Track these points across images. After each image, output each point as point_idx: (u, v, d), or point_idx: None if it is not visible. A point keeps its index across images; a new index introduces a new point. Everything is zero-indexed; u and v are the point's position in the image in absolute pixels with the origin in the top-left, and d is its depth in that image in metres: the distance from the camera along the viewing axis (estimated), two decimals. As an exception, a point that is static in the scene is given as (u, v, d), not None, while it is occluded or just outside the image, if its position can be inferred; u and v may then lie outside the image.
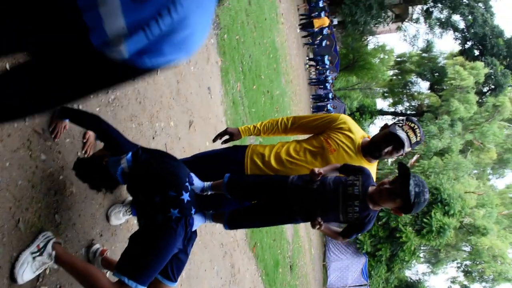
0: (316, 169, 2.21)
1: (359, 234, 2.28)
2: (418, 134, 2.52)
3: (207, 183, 2.40)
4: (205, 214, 2.45)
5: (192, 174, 2.35)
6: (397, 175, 2.16)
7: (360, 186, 2.15)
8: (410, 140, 2.46)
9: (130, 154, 2.29)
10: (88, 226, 2.53)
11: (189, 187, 2.25)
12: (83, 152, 2.30)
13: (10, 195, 1.92)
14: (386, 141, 2.51)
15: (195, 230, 2.39)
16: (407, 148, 2.48)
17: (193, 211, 2.25)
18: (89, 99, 2.57)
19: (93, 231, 2.57)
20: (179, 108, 4.07)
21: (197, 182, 2.37)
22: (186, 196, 2.20)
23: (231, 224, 2.41)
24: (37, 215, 2.08)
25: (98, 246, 2.56)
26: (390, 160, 31.48)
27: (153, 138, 3.41)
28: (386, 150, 2.52)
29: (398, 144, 2.47)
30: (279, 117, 2.87)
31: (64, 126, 2.29)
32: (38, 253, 1.99)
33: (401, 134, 2.45)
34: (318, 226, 2.16)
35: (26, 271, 1.94)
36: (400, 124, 2.53)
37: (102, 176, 2.29)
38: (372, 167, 2.66)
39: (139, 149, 2.33)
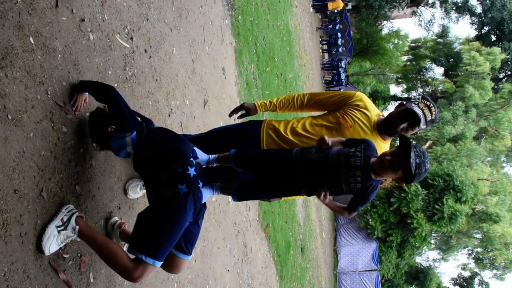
0: (326, 137, 2.25)
1: (364, 205, 2.32)
2: (434, 112, 2.53)
3: (212, 156, 2.46)
4: (213, 186, 2.50)
5: (196, 148, 2.39)
6: (398, 146, 2.18)
7: (362, 157, 2.18)
8: (425, 117, 2.48)
9: (134, 133, 2.33)
10: (107, 199, 2.59)
11: (194, 161, 2.30)
12: (74, 109, 2.31)
13: (34, 165, 1.98)
14: (402, 117, 2.53)
15: (204, 203, 2.44)
16: (423, 126, 2.49)
17: (200, 185, 2.30)
18: (107, 75, 2.62)
19: (112, 204, 2.64)
20: (194, 87, 4.10)
21: (202, 155, 2.42)
22: (192, 171, 2.25)
23: (239, 195, 2.47)
24: (59, 185, 2.14)
25: (116, 219, 2.62)
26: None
27: (169, 115, 3.46)
28: (401, 126, 2.54)
29: (414, 120, 2.49)
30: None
31: (84, 99, 2.34)
32: (62, 227, 2.06)
33: (417, 110, 2.47)
34: (323, 195, 2.19)
35: (52, 244, 2.02)
36: (416, 102, 2.55)
37: (101, 136, 2.36)
38: (386, 145, 2.68)
39: (144, 128, 2.37)
